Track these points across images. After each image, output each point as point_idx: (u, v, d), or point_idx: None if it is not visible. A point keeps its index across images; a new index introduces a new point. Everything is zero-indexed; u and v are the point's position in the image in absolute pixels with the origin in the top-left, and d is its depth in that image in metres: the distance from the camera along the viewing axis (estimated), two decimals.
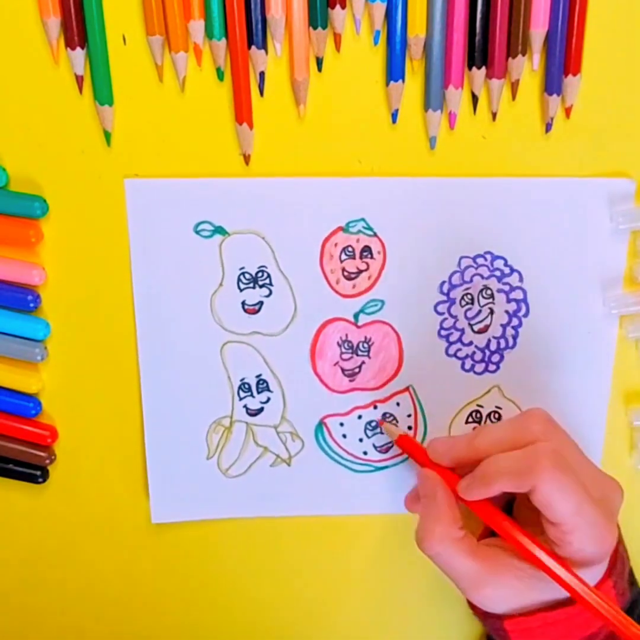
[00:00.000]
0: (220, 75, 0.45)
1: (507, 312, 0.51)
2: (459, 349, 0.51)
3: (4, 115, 0.46)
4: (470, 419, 0.52)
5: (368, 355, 0.51)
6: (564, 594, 0.44)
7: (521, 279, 0.50)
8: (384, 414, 0.52)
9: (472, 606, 0.47)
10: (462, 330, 0.51)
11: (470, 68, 0.46)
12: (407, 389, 0.52)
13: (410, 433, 0.52)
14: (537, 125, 0.48)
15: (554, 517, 0.42)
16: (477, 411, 0.52)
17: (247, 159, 0.47)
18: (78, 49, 0.44)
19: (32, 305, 0.48)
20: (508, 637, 0.46)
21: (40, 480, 0.51)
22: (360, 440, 0.52)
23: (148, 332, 0.50)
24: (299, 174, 0.48)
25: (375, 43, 0.45)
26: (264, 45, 0.45)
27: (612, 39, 0.46)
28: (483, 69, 0.46)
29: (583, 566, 0.43)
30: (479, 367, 0.52)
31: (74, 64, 0.45)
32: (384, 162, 0.48)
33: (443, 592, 0.56)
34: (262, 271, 0.49)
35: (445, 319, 0.51)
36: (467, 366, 0.51)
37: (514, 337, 0.51)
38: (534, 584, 0.44)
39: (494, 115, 0.47)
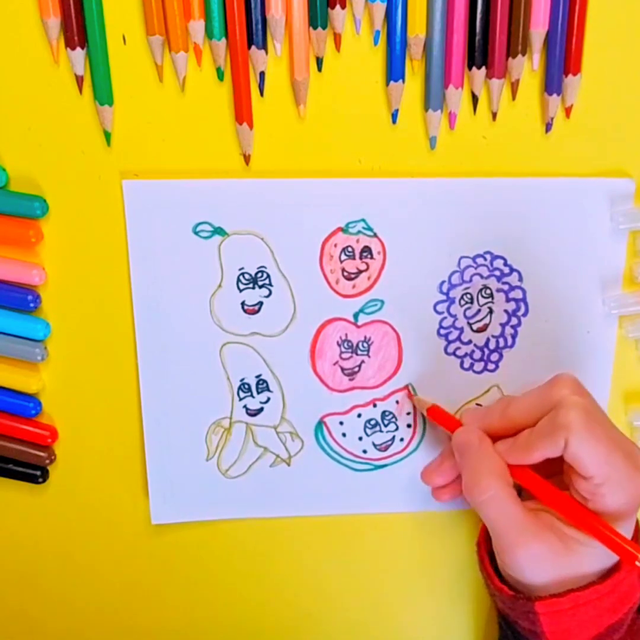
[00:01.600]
0: (220, 75, 0.45)
1: (506, 311, 0.51)
2: (458, 348, 0.51)
3: (4, 115, 0.46)
4: None
5: (368, 355, 0.51)
6: (598, 565, 0.45)
7: (520, 279, 0.50)
8: (383, 412, 0.52)
9: (500, 588, 0.47)
10: (461, 329, 0.51)
11: (470, 68, 0.46)
12: (406, 387, 0.52)
13: (409, 431, 0.52)
14: (537, 125, 0.48)
15: (586, 470, 0.43)
16: None
17: (247, 159, 0.47)
18: (78, 49, 0.44)
19: (32, 305, 0.48)
20: (537, 621, 0.45)
21: (40, 480, 0.51)
22: (360, 438, 0.52)
23: (147, 333, 0.49)
24: (299, 174, 0.48)
25: (375, 43, 0.45)
26: (264, 45, 0.45)
27: (612, 39, 0.46)
28: (483, 69, 0.46)
29: (617, 520, 0.44)
30: (478, 366, 0.52)
31: (74, 64, 0.44)
32: (384, 162, 0.48)
33: (444, 591, 0.56)
34: (262, 272, 0.49)
35: (445, 318, 0.51)
36: (466, 365, 0.52)
37: (513, 337, 0.51)
38: (574, 547, 0.44)
39: (494, 115, 0.47)
